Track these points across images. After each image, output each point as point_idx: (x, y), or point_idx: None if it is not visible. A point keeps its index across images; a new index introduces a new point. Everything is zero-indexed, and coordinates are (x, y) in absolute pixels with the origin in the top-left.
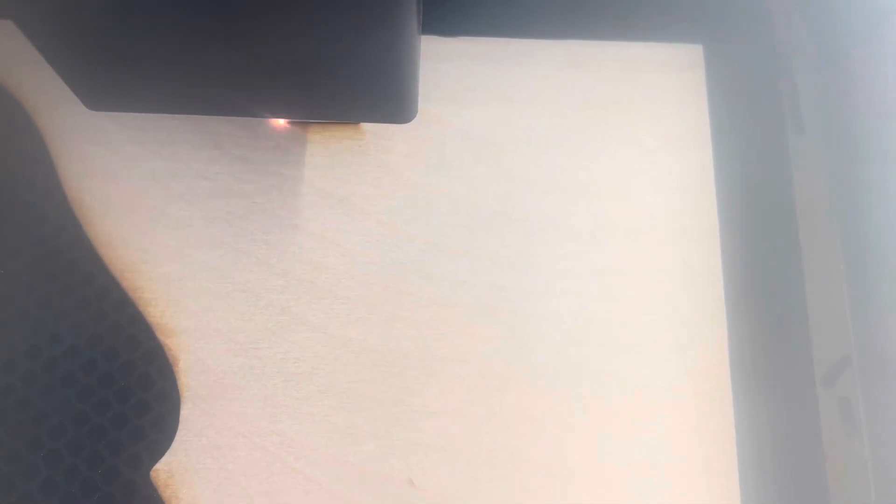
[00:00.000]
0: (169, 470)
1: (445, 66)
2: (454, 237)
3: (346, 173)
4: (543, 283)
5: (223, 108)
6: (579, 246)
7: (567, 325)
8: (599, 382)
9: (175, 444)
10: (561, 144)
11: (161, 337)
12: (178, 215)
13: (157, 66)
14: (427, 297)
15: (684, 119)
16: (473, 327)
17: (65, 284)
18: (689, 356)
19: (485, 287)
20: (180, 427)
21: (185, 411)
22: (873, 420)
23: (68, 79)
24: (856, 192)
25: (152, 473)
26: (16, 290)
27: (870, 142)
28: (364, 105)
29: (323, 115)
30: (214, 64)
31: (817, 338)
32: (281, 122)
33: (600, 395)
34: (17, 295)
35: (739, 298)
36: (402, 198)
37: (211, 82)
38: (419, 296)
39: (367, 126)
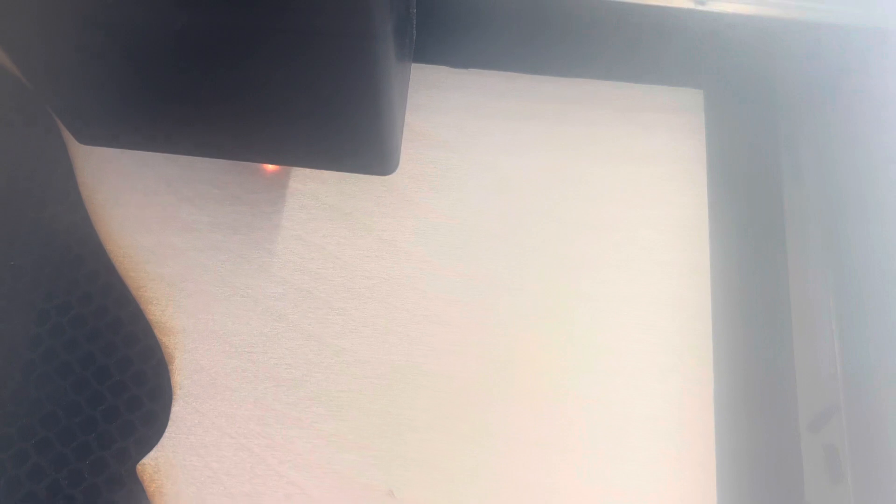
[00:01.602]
0: (155, 465)
1: (455, 95)
2: (451, 258)
3: (352, 189)
4: (534, 308)
5: (208, 150)
6: (571, 274)
7: (555, 348)
8: (584, 406)
9: (163, 441)
10: (560, 176)
11: (159, 335)
12: (187, 219)
13: (143, 106)
14: (420, 314)
15: (682, 159)
16: (464, 346)
17: (71, 280)
18: (673, 386)
19: (477, 308)
20: (170, 424)
21: (176, 409)
22: (859, 468)
23: (61, 115)
24: (848, 242)
25: (138, 467)
26: (22, 282)
27: (865, 195)
28: (342, 153)
29: (304, 161)
30: (199, 106)
31: (803, 383)
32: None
33: (584, 418)
34: (23, 287)
35: (727, 334)
36: (404, 217)
37: (196, 124)
38: (413, 312)
39: None
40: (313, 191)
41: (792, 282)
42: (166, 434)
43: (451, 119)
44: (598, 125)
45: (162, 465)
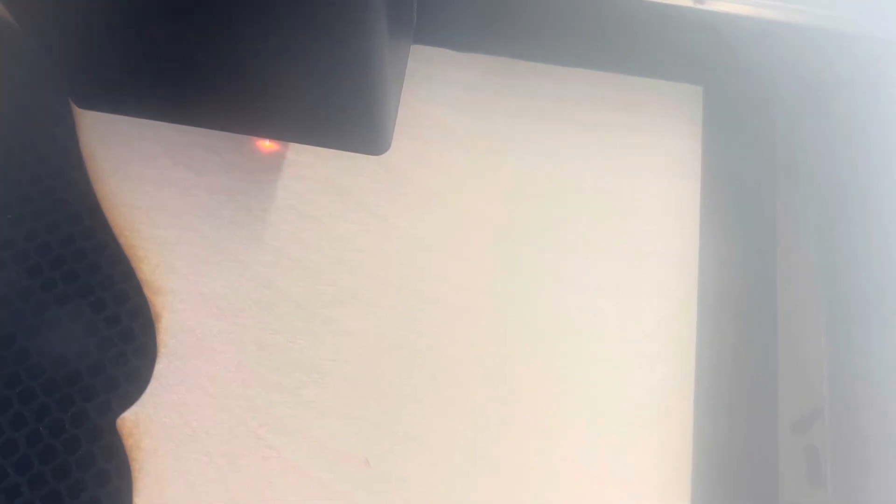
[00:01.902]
0: (135, 420)
1: (455, 77)
2: (444, 237)
3: (349, 164)
4: (522, 291)
5: (202, 121)
6: (561, 259)
7: (541, 331)
8: (565, 388)
9: (144, 397)
10: (557, 162)
11: (148, 294)
12: (183, 183)
13: (139, 74)
14: (410, 291)
15: (677, 153)
16: (452, 325)
17: (66, 235)
18: (656, 374)
19: (468, 288)
20: (152, 381)
21: (160, 366)
22: (839, 473)
23: (60, 80)
24: (840, 245)
25: (118, 421)
26: (20, 234)
27: (859, 201)
28: (333, 130)
29: (295, 136)
30: (193, 76)
31: (787, 384)
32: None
33: (565, 400)
34: (20, 239)
35: (712, 327)
36: (398, 194)
37: (190, 95)
38: (403, 288)
39: None
40: (310, 162)
41: (780, 281)
42: (148, 391)
43: (450, 101)
44: (595, 115)
45: (142, 420)
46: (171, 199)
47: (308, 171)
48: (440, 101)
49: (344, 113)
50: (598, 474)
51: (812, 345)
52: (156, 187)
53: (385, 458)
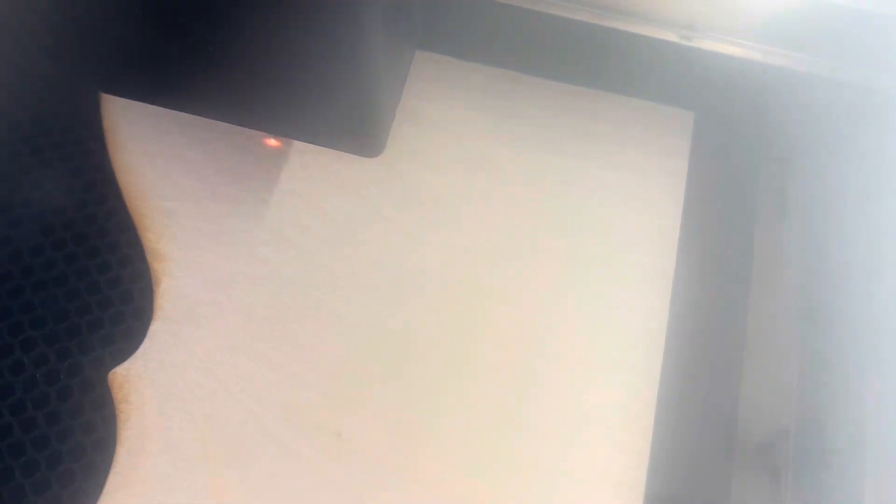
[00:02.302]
0: (126, 375)
1: (458, 84)
2: (434, 229)
3: (351, 159)
4: (502, 289)
5: (212, 112)
6: (541, 262)
7: (515, 326)
8: (533, 382)
9: (136, 355)
10: (545, 173)
11: (150, 260)
12: (194, 162)
13: (156, 63)
14: (397, 279)
15: (662, 175)
16: (432, 316)
17: (80, 200)
18: (620, 379)
19: (451, 279)
20: (146, 341)
21: (154, 328)
22: (798, 495)
23: (89, 63)
24: (816, 280)
25: (110, 375)
26: (37, 196)
27: (836, 245)
28: (328, 129)
29: (295, 133)
30: (199, 67)
31: (750, 406)
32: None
33: (532, 394)
34: (36, 200)
35: (682, 339)
36: (395, 190)
37: (197, 86)
38: (391, 276)
39: None
40: (315, 150)
41: (752, 305)
42: (140, 349)
43: (451, 106)
44: (589, 131)
45: (132, 376)
46: (180, 175)
47: (312, 161)
48: (440, 107)
49: (339, 115)
50: (554, 465)
51: (783, 367)
52: (168, 163)
53: (356, 433)
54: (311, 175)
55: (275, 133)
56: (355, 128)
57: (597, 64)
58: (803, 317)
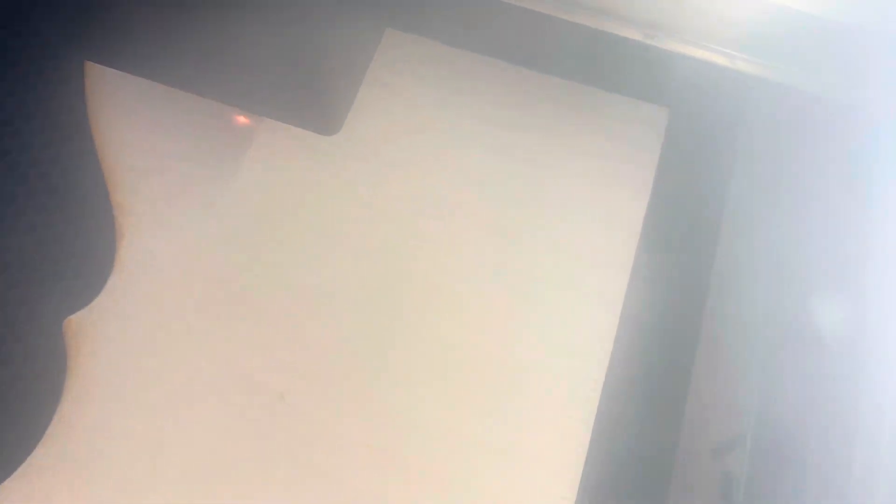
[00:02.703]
0: (80, 323)
1: (430, 65)
2: (396, 204)
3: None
4: (458, 265)
5: (186, 84)
6: (501, 243)
7: (467, 302)
8: (483, 354)
9: (93, 305)
10: (513, 156)
11: (117, 214)
12: (172, 127)
13: (135, 34)
14: (355, 248)
15: (631, 166)
16: (390, 292)
17: (56, 153)
18: (567, 365)
19: (408, 254)
20: (103, 293)
21: (113, 280)
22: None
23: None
24: (778, 272)
25: (65, 323)
26: (15, 145)
27: (801, 223)
28: (289, 107)
29: (258, 108)
30: (182, 43)
31: (710, 406)
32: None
33: (476, 370)
34: (14, 150)
35: (632, 334)
36: (362, 164)
37: (173, 56)
38: (348, 247)
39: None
40: (286, 127)
41: (711, 306)
42: (97, 300)
43: (421, 85)
44: (561, 119)
45: (86, 325)
46: (155, 139)
47: (282, 131)
48: (410, 85)
49: (295, 94)
50: (489, 443)
51: (742, 372)
52: (144, 127)
53: (299, 397)
54: (282, 146)
55: (241, 107)
56: (312, 107)
57: (576, 55)
58: (763, 323)
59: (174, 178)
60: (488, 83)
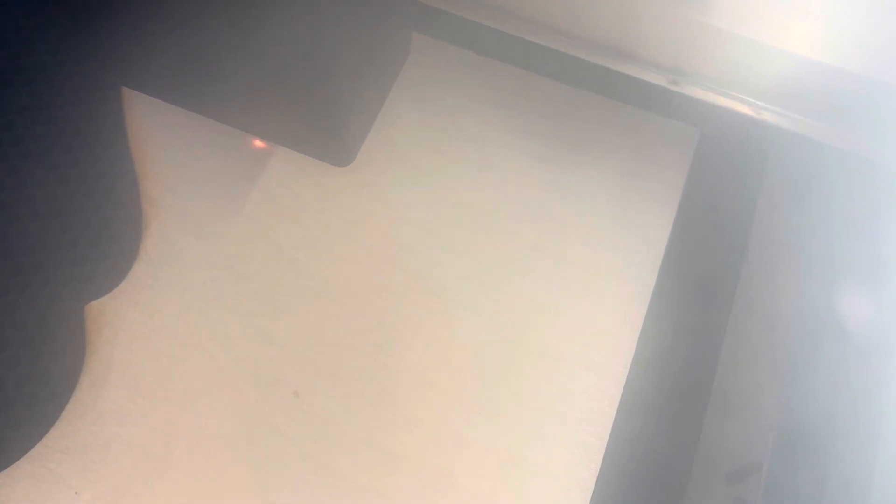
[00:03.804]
0: (101, 309)
1: (460, 76)
2: (421, 211)
3: None
4: (487, 279)
5: (212, 113)
6: (530, 260)
7: (490, 315)
8: (502, 369)
9: (115, 292)
10: (541, 167)
11: (144, 204)
12: (200, 130)
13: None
14: (373, 250)
15: (659, 184)
16: (411, 294)
17: (86, 142)
18: (590, 380)
19: (427, 262)
20: (126, 279)
21: (136, 268)
22: None
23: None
24: (801, 294)
25: (87, 308)
26: (50, 134)
27: (826, 261)
28: (303, 137)
29: (275, 137)
30: (209, 72)
31: (729, 432)
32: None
33: (497, 380)
34: (49, 137)
35: (652, 350)
36: (388, 164)
37: (206, 87)
38: (370, 247)
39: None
40: None
41: (734, 326)
42: (119, 287)
43: (452, 94)
44: (591, 135)
45: (107, 311)
46: (188, 135)
47: None
48: (440, 93)
49: (310, 126)
50: (504, 452)
51: (761, 398)
52: (178, 129)
53: (313, 394)
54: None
55: (259, 136)
56: (327, 139)
57: (610, 70)
58: (786, 347)
59: (204, 170)
60: (522, 96)
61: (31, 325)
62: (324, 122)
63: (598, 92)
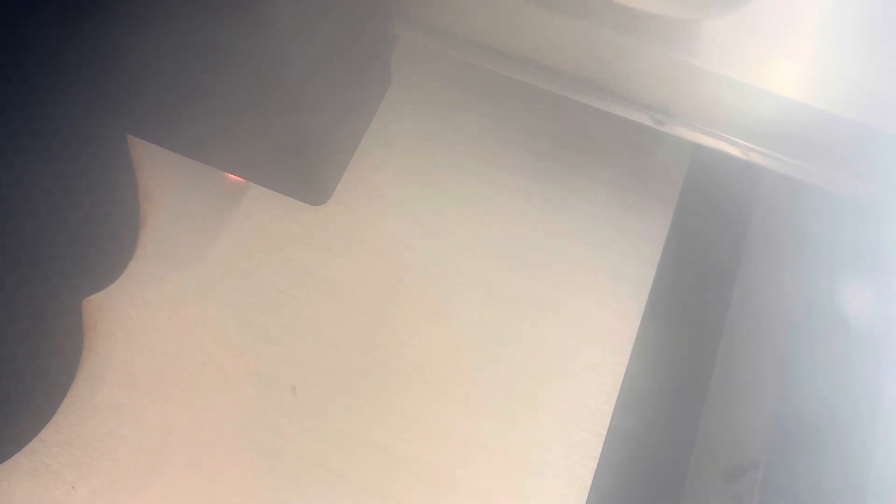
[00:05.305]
0: (98, 305)
1: (450, 83)
2: (415, 224)
3: None
4: (485, 282)
5: (192, 153)
6: (529, 258)
7: (487, 314)
8: (498, 367)
9: (112, 287)
10: (537, 179)
11: (142, 200)
12: None
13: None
14: (371, 250)
15: (652, 199)
16: (413, 300)
17: (85, 136)
18: (586, 375)
19: (428, 268)
20: (123, 275)
21: (133, 264)
22: None
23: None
24: (794, 302)
25: (84, 303)
26: (46, 128)
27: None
28: (278, 177)
29: (251, 175)
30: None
31: (726, 429)
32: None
33: (494, 379)
34: (45, 132)
35: (650, 345)
36: (384, 171)
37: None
38: (371, 246)
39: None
40: None
41: (727, 337)
42: (117, 283)
43: (439, 101)
44: (581, 149)
45: (104, 307)
46: None
47: None
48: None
49: (284, 164)
50: (499, 448)
51: (757, 397)
52: None
53: (310, 392)
54: None
55: (235, 174)
56: (302, 178)
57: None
58: (779, 349)
59: (201, 169)
60: (521, 109)
61: (27, 320)
62: (300, 165)
63: (584, 129)
